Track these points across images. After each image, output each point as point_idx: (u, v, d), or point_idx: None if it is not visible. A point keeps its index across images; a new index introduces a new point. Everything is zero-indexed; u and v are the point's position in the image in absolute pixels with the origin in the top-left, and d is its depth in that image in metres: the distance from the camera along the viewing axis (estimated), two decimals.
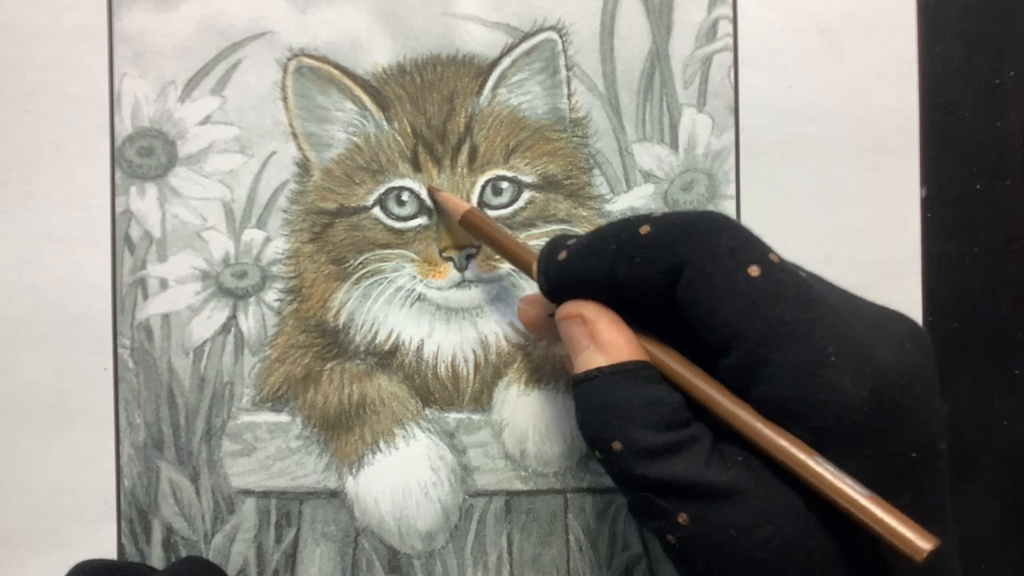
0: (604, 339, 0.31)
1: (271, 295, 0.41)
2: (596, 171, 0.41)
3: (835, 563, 0.27)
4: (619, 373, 0.30)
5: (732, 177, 0.41)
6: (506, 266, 0.41)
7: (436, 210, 0.40)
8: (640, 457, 0.29)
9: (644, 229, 0.30)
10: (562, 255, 0.32)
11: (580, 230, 0.41)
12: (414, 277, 0.41)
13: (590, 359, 0.31)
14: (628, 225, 0.31)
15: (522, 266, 0.36)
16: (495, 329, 0.41)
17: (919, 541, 0.25)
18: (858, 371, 0.27)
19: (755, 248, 0.29)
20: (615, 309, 0.32)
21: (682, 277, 0.29)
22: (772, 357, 0.27)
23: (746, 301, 0.28)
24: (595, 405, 0.30)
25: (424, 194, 0.41)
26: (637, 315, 0.32)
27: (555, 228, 0.41)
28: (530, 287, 0.41)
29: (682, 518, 0.28)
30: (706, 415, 0.30)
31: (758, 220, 0.41)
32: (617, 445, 0.29)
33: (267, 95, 0.41)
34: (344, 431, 0.41)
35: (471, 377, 0.41)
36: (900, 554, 0.25)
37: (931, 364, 0.29)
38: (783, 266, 0.29)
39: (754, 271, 0.28)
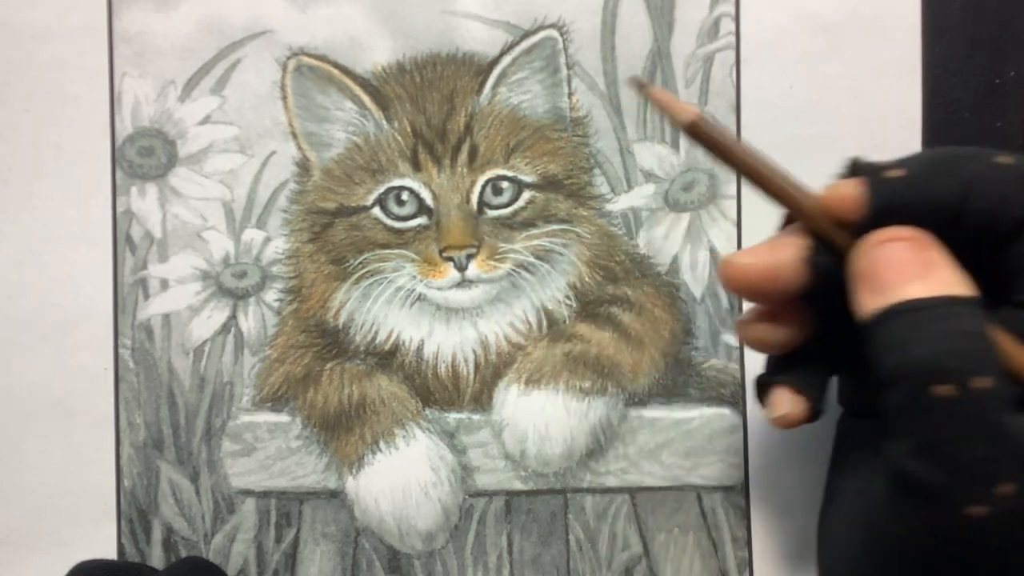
0: (947, 268, 0.27)
1: (271, 295, 0.41)
2: (597, 170, 0.41)
3: None
4: (978, 305, 0.26)
5: (733, 177, 0.41)
6: (506, 266, 0.41)
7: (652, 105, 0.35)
8: (1005, 402, 0.25)
9: (1004, 160, 0.27)
10: (896, 172, 0.28)
11: (580, 230, 0.41)
12: (414, 277, 0.41)
13: (934, 286, 0.27)
14: (975, 153, 0.28)
15: (780, 193, 0.30)
16: (495, 329, 0.41)
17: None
18: None
19: None
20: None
21: None
22: None
23: None
24: (960, 332, 0.26)
25: (424, 193, 0.40)
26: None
27: (556, 228, 0.41)
28: (532, 286, 0.41)
29: (1006, 489, 0.25)
30: None
31: (759, 220, 0.41)
32: (984, 382, 0.25)
33: (267, 94, 0.41)
34: (344, 431, 0.41)
35: (471, 377, 0.41)
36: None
37: None
38: None
39: None
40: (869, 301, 0.28)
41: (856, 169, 0.29)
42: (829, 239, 0.30)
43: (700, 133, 0.30)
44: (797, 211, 0.30)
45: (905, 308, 0.26)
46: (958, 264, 0.28)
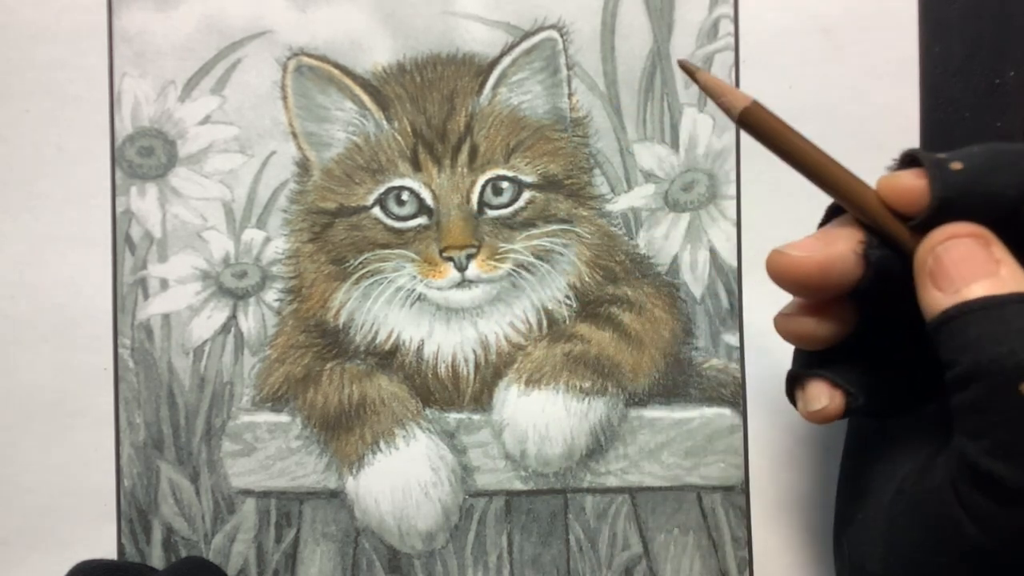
0: (1013, 266, 0.27)
1: (271, 295, 0.41)
2: (597, 171, 0.41)
3: None
4: None
5: (733, 177, 0.41)
6: (506, 266, 0.41)
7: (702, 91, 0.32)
8: None
9: None
10: (956, 165, 0.28)
11: (581, 230, 0.41)
12: (414, 277, 0.41)
13: (1006, 283, 0.27)
14: None
15: (836, 184, 0.29)
16: (495, 329, 0.41)
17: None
18: None
19: None
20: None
21: None
22: None
23: None
24: None
25: (424, 193, 0.40)
26: None
27: (556, 228, 0.41)
28: (532, 286, 0.41)
29: None
30: None
31: (759, 220, 0.41)
32: None
33: (267, 94, 0.41)
34: (344, 431, 0.41)
35: (471, 377, 0.41)
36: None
37: None
38: None
39: None
40: (939, 298, 0.27)
41: (913, 160, 0.29)
42: (886, 232, 0.29)
43: (754, 121, 0.29)
44: (853, 202, 0.29)
45: (979, 306, 0.26)
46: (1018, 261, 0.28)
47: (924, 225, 0.28)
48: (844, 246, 0.29)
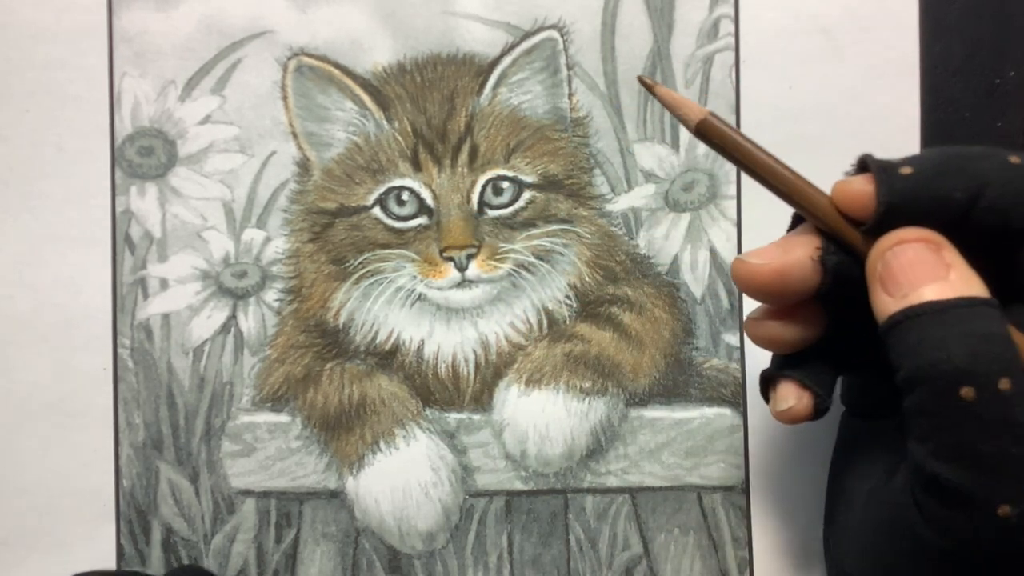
0: (963, 269, 0.27)
1: (271, 295, 0.41)
2: (597, 171, 0.41)
3: None
4: (998, 308, 0.26)
5: (733, 177, 0.41)
6: (506, 266, 0.41)
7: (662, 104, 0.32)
8: None
9: (1015, 159, 0.28)
10: (906, 169, 0.28)
11: (581, 230, 0.41)
12: (414, 277, 0.41)
13: (954, 288, 0.27)
14: (986, 152, 0.28)
15: (790, 192, 0.30)
16: (495, 329, 0.41)
17: None
18: None
19: None
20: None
21: None
22: None
23: None
24: (984, 334, 0.26)
25: (424, 193, 0.40)
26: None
27: (556, 228, 0.41)
28: (532, 286, 0.41)
29: None
30: None
31: (759, 220, 0.41)
32: (1006, 383, 0.25)
33: (267, 94, 0.41)
34: (344, 431, 0.41)
35: (471, 377, 0.41)
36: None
37: None
38: None
39: None
40: (888, 303, 0.28)
41: (865, 166, 0.29)
42: (840, 238, 0.29)
43: (709, 133, 0.30)
44: (807, 210, 0.30)
45: (925, 310, 0.27)
46: (970, 265, 0.28)
47: (876, 230, 0.28)
48: (802, 253, 0.30)
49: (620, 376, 0.41)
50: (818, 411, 0.32)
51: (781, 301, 0.31)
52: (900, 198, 0.28)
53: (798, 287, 0.30)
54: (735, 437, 0.41)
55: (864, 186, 0.29)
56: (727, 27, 0.41)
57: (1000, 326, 0.26)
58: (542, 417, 0.40)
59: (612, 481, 0.41)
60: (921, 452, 0.27)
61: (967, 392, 0.25)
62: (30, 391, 0.41)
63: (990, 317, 0.26)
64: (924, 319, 0.26)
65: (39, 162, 0.41)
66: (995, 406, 0.25)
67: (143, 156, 0.41)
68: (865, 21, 0.41)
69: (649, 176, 0.41)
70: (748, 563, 0.41)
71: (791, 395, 0.31)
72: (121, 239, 0.41)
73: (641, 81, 0.31)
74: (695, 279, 0.41)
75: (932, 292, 0.27)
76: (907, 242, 0.28)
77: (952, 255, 0.28)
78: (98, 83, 0.41)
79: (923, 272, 0.27)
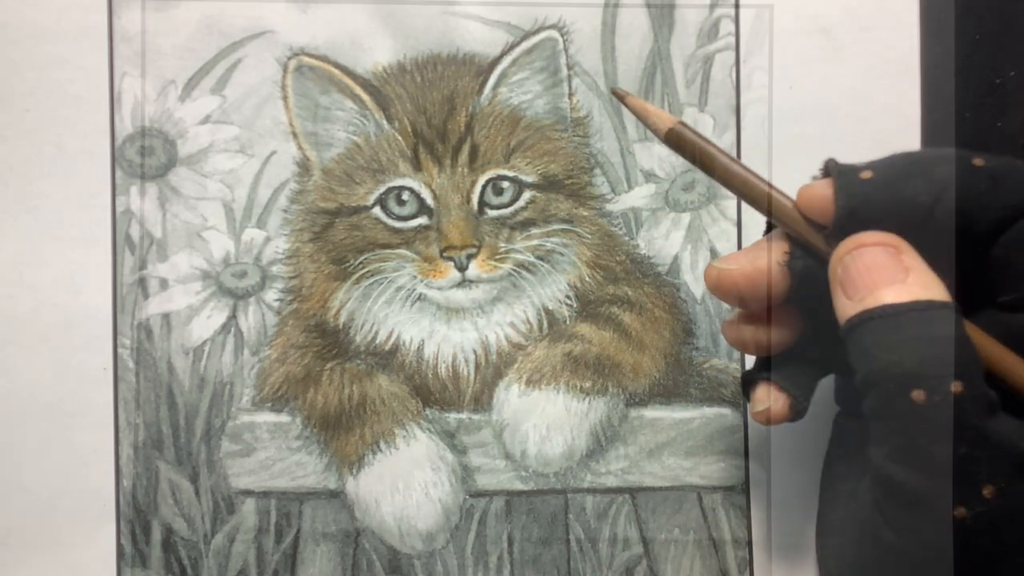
0: (923, 273, 0.27)
1: (271, 295, 0.41)
2: (597, 171, 0.41)
3: None
4: (955, 311, 0.27)
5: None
6: (507, 266, 0.41)
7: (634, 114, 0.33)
8: (981, 405, 0.25)
9: (979, 161, 0.28)
10: (866, 174, 0.28)
11: (581, 230, 0.41)
12: (414, 277, 0.41)
13: (911, 291, 0.27)
14: (950, 155, 0.28)
15: (756, 198, 0.31)
16: (496, 329, 0.41)
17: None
18: None
19: None
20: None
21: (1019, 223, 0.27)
22: None
23: None
24: (937, 337, 0.26)
25: (424, 193, 0.40)
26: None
27: (556, 228, 0.41)
28: (532, 286, 0.41)
29: (987, 491, 0.25)
30: None
31: (758, 220, 0.41)
32: (958, 386, 0.25)
33: (267, 94, 0.41)
34: (344, 431, 0.41)
35: (471, 377, 0.41)
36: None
37: None
38: None
39: None
40: (847, 306, 0.28)
41: (828, 171, 0.30)
42: (805, 242, 0.30)
43: (677, 140, 0.31)
44: (773, 215, 0.30)
45: (881, 314, 0.27)
46: (933, 268, 0.28)
47: (838, 233, 0.29)
48: (770, 257, 0.30)
49: (620, 376, 0.41)
50: (795, 413, 0.32)
51: (752, 305, 0.32)
52: (859, 201, 0.28)
53: (767, 291, 0.30)
54: (735, 437, 0.41)
55: (824, 190, 0.29)
56: (727, 27, 0.41)
57: (956, 329, 0.26)
58: (542, 417, 0.40)
59: (612, 481, 0.41)
60: (878, 455, 0.27)
61: (918, 395, 0.25)
62: (30, 391, 0.41)
63: (945, 320, 0.26)
64: (879, 322, 0.27)
65: (39, 162, 0.41)
66: (946, 409, 0.25)
67: (143, 156, 0.41)
68: (865, 21, 0.41)
69: (649, 176, 0.41)
70: (748, 563, 0.41)
71: (767, 397, 0.32)
72: (121, 239, 0.41)
73: (613, 92, 0.33)
74: (695, 279, 0.41)
75: (889, 295, 0.27)
76: (866, 246, 0.28)
77: (911, 258, 0.28)
78: (98, 83, 0.41)
79: (880, 275, 0.27)
